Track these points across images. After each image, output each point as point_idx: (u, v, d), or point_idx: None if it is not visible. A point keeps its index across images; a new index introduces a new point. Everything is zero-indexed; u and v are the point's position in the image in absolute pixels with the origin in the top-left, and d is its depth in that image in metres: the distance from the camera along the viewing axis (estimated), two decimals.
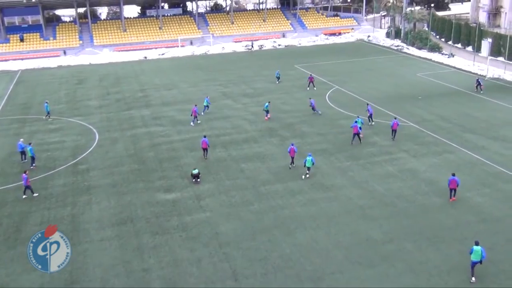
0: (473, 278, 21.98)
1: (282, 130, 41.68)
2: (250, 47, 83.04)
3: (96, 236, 26.24)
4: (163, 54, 79.79)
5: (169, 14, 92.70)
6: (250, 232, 26.18)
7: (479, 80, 53.07)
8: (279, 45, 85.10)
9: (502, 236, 25.08)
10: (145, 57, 78.01)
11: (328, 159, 35.19)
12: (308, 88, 54.28)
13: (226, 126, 42.82)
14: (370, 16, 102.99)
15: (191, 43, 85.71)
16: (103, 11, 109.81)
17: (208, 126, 42.62)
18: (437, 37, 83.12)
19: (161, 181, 32.50)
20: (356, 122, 38.79)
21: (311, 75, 56.90)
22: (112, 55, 79.04)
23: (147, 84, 59.51)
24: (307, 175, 32.12)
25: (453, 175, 28.75)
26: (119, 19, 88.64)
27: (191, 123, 43.35)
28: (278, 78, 58.76)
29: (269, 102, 45.83)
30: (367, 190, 30.40)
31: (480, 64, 64.54)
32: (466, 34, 74.54)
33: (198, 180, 31.99)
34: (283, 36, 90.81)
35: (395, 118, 40.08)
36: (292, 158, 33.55)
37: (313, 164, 32.11)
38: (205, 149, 35.59)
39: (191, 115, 43.79)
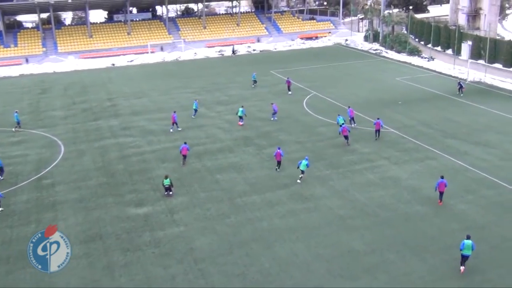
0: (462, 268, 23.37)
1: (258, 138, 41.76)
2: (232, 51, 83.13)
3: None
4: (132, 61, 79.35)
5: (137, 19, 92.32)
6: (227, 246, 26.09)
7: (461, 82, 54.23)
8: (254, 50, 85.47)
9: (486, 244, 25.49)
10: (113, 64, 77.47)
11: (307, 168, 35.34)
12: (290, 93, 55.22)
13: (200, 136, 42.73)
14: (348, 19, 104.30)
15: (162, 49, 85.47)
16: (67, 16, 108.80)
17: (181, 136, 42.46)
18: (416, 40, 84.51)
19: (131, 194, 32.20)
20: (341, 125, 39.36)
21: (288, 78, 57.45)
22: (78, 63, 78.27)
23: (116, 93, 59.07)
24: (301, 178, 33.04)
25: (442, 177, 29.55)
26: (85, 24, 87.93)
27: (171, 130, 43.57)
28: (255, 81, 59.50)
29: (242, 106, 46.29)
30: (347, 200, 30.62)
31: (461, 67, 65.92)
32: (445, 37, 75.99)
33: (171, 193, 31.76)
34: (258, 40, 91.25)
35: (378, 119, 40.79)
36: (278, 162, 34.77)
37: (307, 167, 32.96)
38: (184, 156, 36.07)
39: (172, 123, 43.90)
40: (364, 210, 29.33)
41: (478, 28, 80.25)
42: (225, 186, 32.94)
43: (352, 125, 42.45)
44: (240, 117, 45.17)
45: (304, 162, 32.96)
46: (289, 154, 37.92)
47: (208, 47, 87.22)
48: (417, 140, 40.36)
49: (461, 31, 73.47)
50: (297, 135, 42.19)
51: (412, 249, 25.32)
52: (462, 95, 52.83)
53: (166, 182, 31.45)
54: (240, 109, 45.54)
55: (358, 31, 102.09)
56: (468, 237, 23.58)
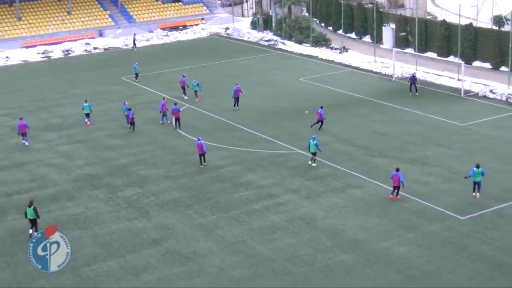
0: (477, 194, 34.73)
1: (110, 176, 41.01)
2: (133, 43, 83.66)
3: None
4: None
5: None
6: None
7: (415, 76, 56.18)
8: (95, 48, 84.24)
9: None
10: None
11: (184, 214, 35.08)
12: (185, 97, 57.08)
13: (20, 179, 41.25)
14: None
15: None
16: None
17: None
18: (322, 25, 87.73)
19: None
20: (314, 152, 41.04)
21: (183, 76, 58.82)
22: None
23: None
24: (314, 162, 40.47)
25: (397, 170, 34.85)
26: None
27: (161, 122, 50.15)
28: (137, 74, 63.84)
29: (86, 101, 52.14)
30: (245, 254, 30.63)
31: (384, 59, 68.95)
32: (361, 20, 79.50)
33: (31, 231, 31.47)
34: (100, 34, 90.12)
35: (322, 107, 45.36)
36: (201, 155, 40.86)
37: (318, 150, 40.22)
38: (201, 155, 41.62)
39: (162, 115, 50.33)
40: (269, 266, 29.44)
41: (402, 6, 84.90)
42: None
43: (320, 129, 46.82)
44: (87, 114, 51.08)
45: (312, 142, 40.13)
46: (157, 196, 37.46)
47: (26, 47, 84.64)
48: (334, 162, 41.52)
49: (381, 10, 77.12)
50: (167, 167, 41.91)
51: None
52: (417, 94, 55.11)
53: (30, 213, 32.40)
54: (85, 104, 50.90)
55: (243, 15, 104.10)
56: (477, 166, 34.39)
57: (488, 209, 33.94)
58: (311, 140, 40.49)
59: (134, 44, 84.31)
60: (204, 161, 41.69)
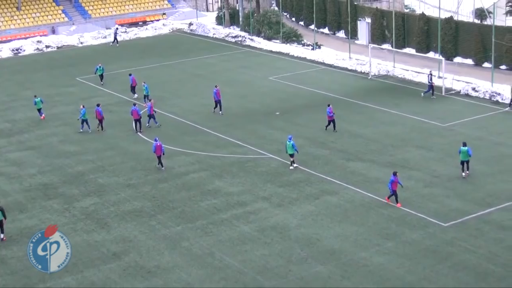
0: (463, 174, 38.41)
1: (65, 185, 40.80)
2: (115, 37, 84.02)
3: None
4: None
5: None
6: None
7: (431, 75, 54.98)
8: (47, 46, 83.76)
9: None
10: None
11: (146, 225, 34.99)
12: (135, 95, 57.07)
13: None
14: None
15: None
16: None
17: None
18: (293, 20, 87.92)
19: None
20: (291, 154, 41.19)
21: (131, 74, 59.11)
22: None
23: None
24: (293, 165, 40.99)
25: (394, 174, 35.32)
26: None
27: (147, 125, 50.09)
28: (102, 76, 63.42)
29: (35, 96, 54.35)
30: (213, 267, 30.61)
31: (359, 56, 69.36)
32: (334, 14, 79.91)
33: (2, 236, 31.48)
34: (53, 32, 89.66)
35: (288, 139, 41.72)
36: (159, 157, 41.75)
37: (296, 151, 40.67)
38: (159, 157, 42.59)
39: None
40: (239, 280, 29.47)
41: None
42: (15, 267, 31.55)
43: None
44: (39, 110, 53.53)
45: (288, 143, 40.41)
46: (117, 206, 37.34)
47: None
48: (308, 167, 41.69)
49: (355, 3, 77.54)
50: (127, 175, 41.79)
51: None
52: (434, 97, 54.22)
53: None
54: (36, 99, 53.46)
55: (207, 10, 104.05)
56: (464, 144, 37.82)
57: (472, 215, 34.26)
58: (287, 141, 40.82)
59: (116, 39, 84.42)
60: (162, 165, 42.07)
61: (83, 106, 50.65)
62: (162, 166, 42.06)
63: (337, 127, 46.83)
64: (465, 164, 38.34)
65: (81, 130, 49.84)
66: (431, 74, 55.31)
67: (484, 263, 29.65)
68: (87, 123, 49.72)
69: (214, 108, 53.07)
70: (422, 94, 54.87)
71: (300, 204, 36.62)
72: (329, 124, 47.13)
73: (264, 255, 31.44)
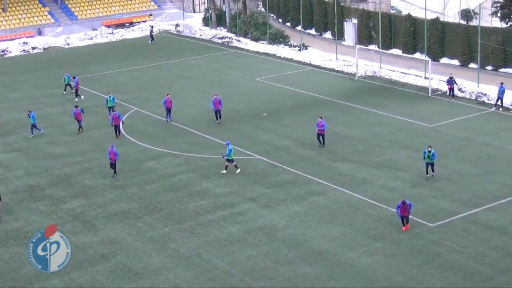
0: (427, 175, 38.54)
1: (52, 187, 40.71)
2: (151, 35, 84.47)
3: None
4: None
5: None
6: None
7: (453, 78, 53.97)
8: (33, 48, 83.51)
9: None
10: None
11: (134, 227, 34.97)
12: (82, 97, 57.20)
13: None
14: None
15: None
16: None
17: None
18: (280, 21, 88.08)
19: None
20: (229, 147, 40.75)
21: (167, 95, 55.58)
22: None
23: None
24: (227, 168, 40.88)
25: (404, 203, 32.42)
26: None
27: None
28: (68, 85, 61.04)
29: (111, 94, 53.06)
30: (201, 269, 30.61)
31: (346, 57, 69.58)
32: (320, 15, 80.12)
33: None
34: (39, 33, 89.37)
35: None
36: (112, 164, 41.17)
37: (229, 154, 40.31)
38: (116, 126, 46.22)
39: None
40: (227, 281, 29.48)
41: (364, 0, 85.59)
42: (2, 269, 31.48)
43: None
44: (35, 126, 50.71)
45: (229, 149, 40.17)
46: (104, 208, 37.27)
47: None
48: (295, 168, 41.75)
49: (342, 4, 77.82)
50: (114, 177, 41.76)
51: None
52: (453, 100, 53.84)
53: None
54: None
55: (194, 11, 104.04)
56: (429, 147, 38.25)
57: (458, 215, 34.45)
58: (229, 147, 40.82)
59: (152, 37, 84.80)
60: (115, 172, 41.78)
61: (30, 111, 50.42)
62: (115, 172, 41.78)
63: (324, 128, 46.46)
64: (430, 166, 38.65)
65: (31, 135, 49.91)
66: (452, 78, 54.16)
67: (471, 263, 29.82)
68: (36, 127, 49.92)
69: (217, 119, 51.20)
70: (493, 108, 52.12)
71: (288, 205, 36.68)
72: (318, 137, 44.65)
73: (252, 256, 31.49)
